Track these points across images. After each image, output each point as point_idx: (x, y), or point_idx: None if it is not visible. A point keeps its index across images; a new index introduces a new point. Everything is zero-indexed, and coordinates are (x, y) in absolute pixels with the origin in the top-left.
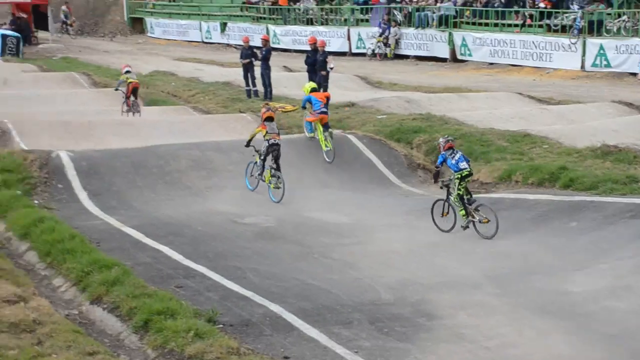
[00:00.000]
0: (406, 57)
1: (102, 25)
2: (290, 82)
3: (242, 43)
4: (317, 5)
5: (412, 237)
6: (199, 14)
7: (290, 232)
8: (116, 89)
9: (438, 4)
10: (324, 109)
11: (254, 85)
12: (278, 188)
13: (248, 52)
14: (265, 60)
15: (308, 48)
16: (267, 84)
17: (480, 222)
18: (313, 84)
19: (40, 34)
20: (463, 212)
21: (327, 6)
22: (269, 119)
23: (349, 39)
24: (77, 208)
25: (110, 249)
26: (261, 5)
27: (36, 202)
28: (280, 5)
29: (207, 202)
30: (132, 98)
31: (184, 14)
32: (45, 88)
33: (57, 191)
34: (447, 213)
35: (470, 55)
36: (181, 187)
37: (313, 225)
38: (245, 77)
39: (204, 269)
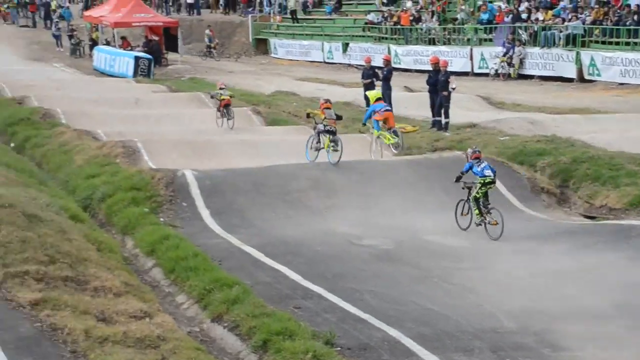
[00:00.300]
0: (530, 77)
1: (228, 46)
2: (411, 102)
3: (363, 63)
4: (439, 25)
5: (536, 263)
6: (321, 35)
7: (408, 254)
8: (212, 97)
9: (565, 23)
10: (388, 107)
11: None
12: (336, 151)
13: (369, 72)
14: (387, 80)
15: (429, 68)
16: (387, 104)
17: (489, 223)
18: (379, 93)
19: (170, 56)
20: (477, 212)
21: (449, 26)
22: (327, 108)
23: (471, 58)
24: (200, 226)
25: (231, 267)
26: (383, 26)
27: (162, 219)
28: (402, 26)
29: (325, 222)
30: (224, 111)
31: (306, 34)
32: (173, 108)
33: (181, 209)
34: (467, 213)
35: (598, 75)
36: (301, 206)
37: (432, 248)
38: (366, 97)
39: (322, 290)
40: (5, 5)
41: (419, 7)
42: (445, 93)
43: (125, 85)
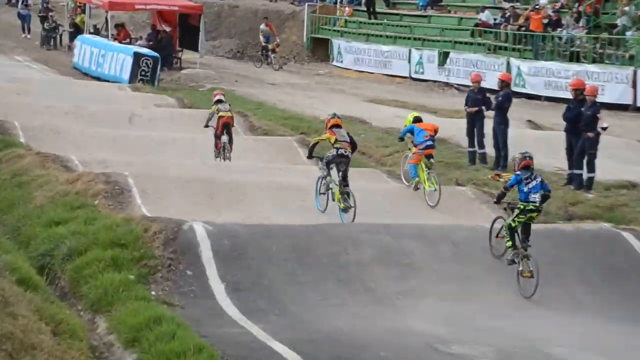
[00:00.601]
0: None
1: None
2: (538, 145)
3: (469, 83)
4: (587, 33)
5: None
6: (408, 38)
7: None
8: (206, 126)
9: None
10: (430, 142)
11: (481, 145)
12: (349, 208)
13: (477, 97)
14: (501, 109)
15: (569, 96)
16: (500, 145)
17: (522, 274)
18: (416, 114)
19: (186, 55)
20: (510, 243)
21: (603, 35)
22: (336, 126)
23: (634, 85)
24: (209, 307)
25: None
26: (502, 30)
27: (154, 293)
28: (531, 31)
29: (397, 315)
30: (224, 138)
31: (387, 36)
32: (184, 130)
33: (184, 279)
34: (503, 237)
35: None
36: (361, 288)
37: None
38: (470, 133)
39: None
40: None
41: (558, 5)
42: (591, 134)
43: (118, 93)
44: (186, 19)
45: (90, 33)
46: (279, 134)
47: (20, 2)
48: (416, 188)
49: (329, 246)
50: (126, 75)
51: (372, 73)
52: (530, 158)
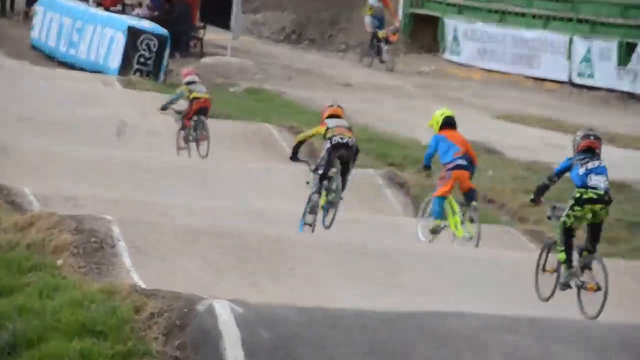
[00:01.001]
0: None
1: (345, 29)
2: None
3: None
4: None
5: None
6: (569, 19)
7: None
8: (164, 108)
9: None
10: (462, 161)
11: None
12: (331, 207)
13: None
14: None
15: None
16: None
17: (584, 287)
18: (447, 112)
19: (210, 35)
20: (563, 255)
21: None
22: (334, 116)
23: None
24: None
25: None
26: None
27: None
28: None
29: None
30: (194, 120)
31: (534, 15)
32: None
33: None
34: (553, 270)
35: None
36: None
37: None
38: None
39: None
40: None
41: None
42: None
43: (100, 90)
44: None
45: None
46: (357, 163)
47: None
48: (434, 231)
49: (431, 348)
50: (115, 61)
51: (507, 73)
52: (596, 138)
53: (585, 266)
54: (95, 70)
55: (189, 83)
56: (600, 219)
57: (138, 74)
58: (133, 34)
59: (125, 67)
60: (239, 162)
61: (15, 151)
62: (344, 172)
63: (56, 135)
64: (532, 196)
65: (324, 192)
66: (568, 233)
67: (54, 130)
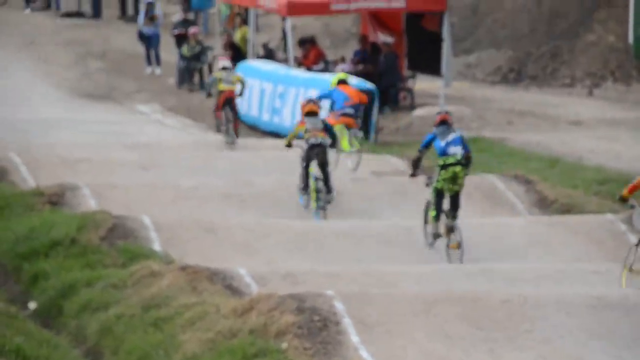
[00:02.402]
0: None
1: (566, 59)
2: None
3: None
4: None
5: None
6: None
7: None
8: (209, 94)
9: None
10: (349, 110)
11: None
12: (322, 209)
13: None
14: None
15: None
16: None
17: (449, 245)
18: (343, 75)
19: (420, 83)
20: (434, 213)
21: None
22: (311, 113)
23: None
24: None
25: None
26: None
27: None
28: None
29: None
30: (225, 114)
31: None
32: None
33: None
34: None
35: None
36: None
37: None
38: None
39: None
40: None
41: None
42: None
43: None
44: (418, 22)
45: (259, 57)
46: (589, 210)
47: (141, 15)
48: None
49: None
50: None
51: None
52: (447, 113)
53: (449, 229)
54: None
55: (222, 69)
56: (458, 181)
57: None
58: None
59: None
60: (464, 219)
61: (224, 230)
62: (324, 166)
63: (264, 209)
64: (411, 171)
65: (313, 186)
66: (439, 195)
67: (260, 205)
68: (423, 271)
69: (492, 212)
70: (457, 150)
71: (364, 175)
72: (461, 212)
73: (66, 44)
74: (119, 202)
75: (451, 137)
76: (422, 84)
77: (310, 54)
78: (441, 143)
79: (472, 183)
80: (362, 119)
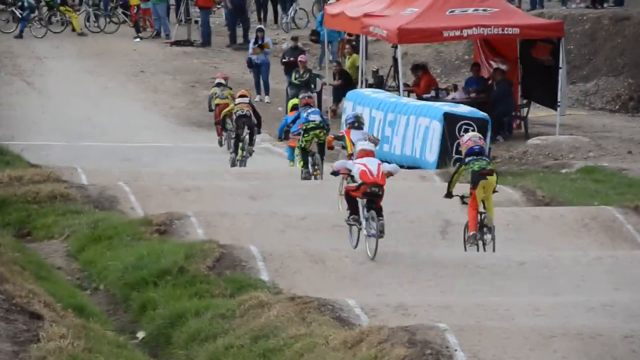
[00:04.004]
0: None
1: None
2: None
3: None
4: None
5: None
6: None
7: None
8: (210, 110)
9: None
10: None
11: None
12: (243, 159)
13: None
14: None
15: None
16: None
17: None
18: (295, 101)
19: (534, 111)
20: (301, 164)
21: None
22: (242, 95)
23: None
24: None
25: None
26: None
27: None
28: None
29: None
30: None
31: None
32: (545, 246)
33: None
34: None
35: None
36: None
37: None
38: None
39: None
40: None
41: None
42: None
43: (418, 187)
44: (531, 49)
45: (369, 85)
46: None
47: (251, 42)
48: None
49: None
50: (432, 154)
51: None
52: (310, 97)
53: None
54: (412, 166)
55: (217, 84)
56: (321, 139)
57: (458, 164)
58: (450, 121)
59: (443, 158)
60: (581, 252)
61: (333, 261)
62: (251, 134)
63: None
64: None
65: (240, 151)
66: (305, 152)
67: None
68: (539, 304)
69: (611, 245)
70: (316, 118)
71: None
72: (578, 244)
73: (175, 72)
74: (227, 231)
75: (311, 110)
76: (536, 112)
77: (422, 82)
78: (304, 115)
79: (589, 214)
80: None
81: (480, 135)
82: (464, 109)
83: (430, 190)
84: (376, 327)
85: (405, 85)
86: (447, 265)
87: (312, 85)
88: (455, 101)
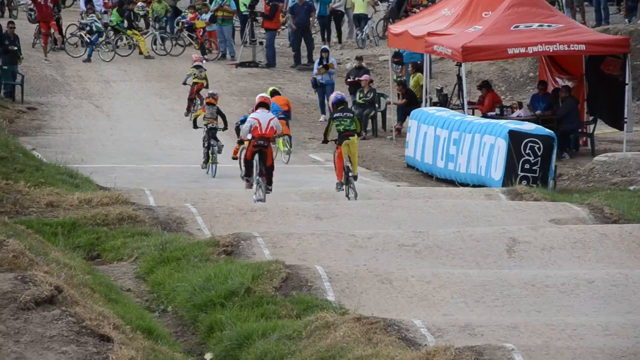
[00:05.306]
0: None
1: None
2: None
3: None
4: None
5: None
6: None
7: None
8: (184, 83)
9: None
10: (282, 116)
11: None
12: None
13: None
14: None
15: None
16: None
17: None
18: (274, 87)
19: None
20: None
21: None
22: (210, 104)
23: None
24: None
25: None
26: None
27: None
28: None
29: None
30: (196, 101)
31: None
32: (615, 265)
33: None
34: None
35: None
36: None
37: None
38: None
39: None
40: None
41: None
42: None
43: (484, 205)
44: (600, 64)
45: (433, 104)
46: None
47: (316, 63)
48: None
49: None
50: (497, 172)
51: None
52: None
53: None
54: (478, 184)
55: (195, 66)
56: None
57: (524, 182)
58: (515, 138)
59: (508, 176)
60: None
61: (399, 281)
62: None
63: (438, 258)
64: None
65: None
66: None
67: (436, 254)
68: (609, 323)
69: None
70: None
71: (543, 224)
72: None
73: (241, 93)
74: (293, 252)
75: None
76: (603, 128)
77: (486, 99)
78: None
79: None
80: (541, 167)
81: (343, 94)
82: (529, 127)
83: (496, 208)
84: (442, 347)
85: (470, 103)
86: (515, 284)
87: (377, 105)
88: (520, 118)
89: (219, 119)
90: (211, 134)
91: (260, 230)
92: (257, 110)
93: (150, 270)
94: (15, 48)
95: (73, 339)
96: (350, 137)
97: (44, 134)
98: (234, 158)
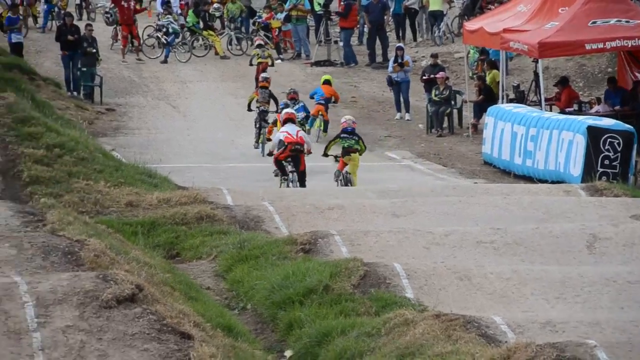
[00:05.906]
0: None
1: None
2: None
3: None
4: None
5: None
6: None
7: None
8: (251, 64)
9: None
10: (322, 102)
11: None
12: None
13: None
14: None
15: None
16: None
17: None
18: (327, 76)
19: None
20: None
21: None
22: (263, 87)
23: None
24: None
25: None
26: None
27: None
28: None
29: None
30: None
31: None
32: None
33: None
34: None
35: None
36: None
37: None
38: None
39: None
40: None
41: None
42: None
43: (563, 201)
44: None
45: (510, 100)
46: None
47: (391, 61)
48: None
49: None
50: (576, 168)
51: None
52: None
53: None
54: (556, 180)
55: (257, 46)
56: None
57: (604, 178)
58: (594, 134)
59: (588, 172)
60: None
61: (479, 278)
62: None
63: (516, 255)
64: None
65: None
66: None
67: (514, 251)
68: None
69: None
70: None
71: (624, 220)
72: None
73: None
74: (370, 249)
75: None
76: None
77: (563, 96)
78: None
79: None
80: (621, 162)
81: (354, 120)
82: (608, 122)
83: (576, 204)
84: (523, 344)
85: (547, 99)
86: (596, 280)
87: (453, 102)
88: (599, 114)
89: (271, 102)
90: (262, 116)
91: (337, 228)
92: (285, 125)
93: (229, 268)
94: (94, 50)
95: (154, 337)
96: (352, 154)
97: (123, 135)
98: (268, 139)
